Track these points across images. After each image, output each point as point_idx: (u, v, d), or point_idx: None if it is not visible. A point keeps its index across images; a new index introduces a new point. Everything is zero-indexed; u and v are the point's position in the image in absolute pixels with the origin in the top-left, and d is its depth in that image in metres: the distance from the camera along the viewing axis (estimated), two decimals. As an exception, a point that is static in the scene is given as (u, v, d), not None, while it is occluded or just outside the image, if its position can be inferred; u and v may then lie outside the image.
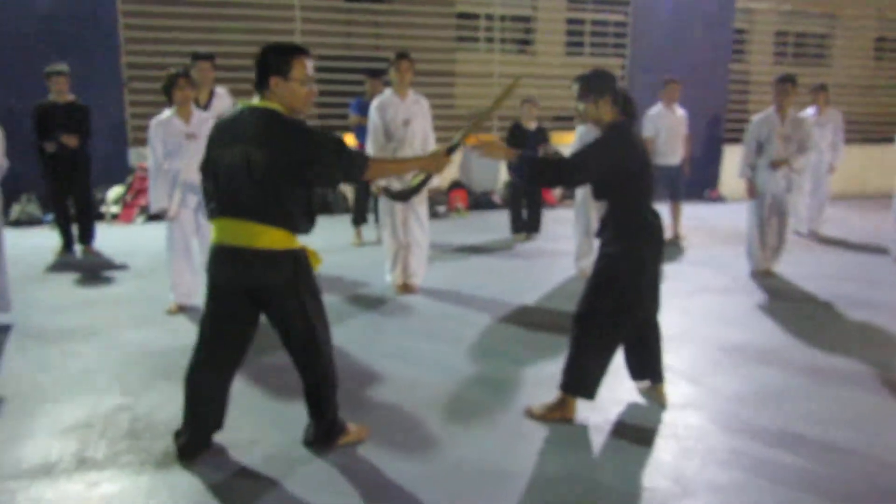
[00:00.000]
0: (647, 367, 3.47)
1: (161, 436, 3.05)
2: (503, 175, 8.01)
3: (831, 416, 3.37)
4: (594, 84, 3.17)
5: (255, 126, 2.65)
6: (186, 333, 4.00)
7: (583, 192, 5.94)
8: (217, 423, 2.94)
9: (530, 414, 3.31)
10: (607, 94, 3.15)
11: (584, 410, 3.34)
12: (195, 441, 2.89)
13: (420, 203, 5.41)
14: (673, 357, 4.12)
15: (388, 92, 5.27)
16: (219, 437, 2.99)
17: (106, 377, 3.73)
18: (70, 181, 6.58)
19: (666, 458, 2.95)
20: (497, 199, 9.92)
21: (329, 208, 9.15)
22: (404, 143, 5.22)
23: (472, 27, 11.72)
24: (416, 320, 4.80)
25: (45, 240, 7.12)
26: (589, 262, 5.93)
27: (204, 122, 4.74)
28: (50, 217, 7.09)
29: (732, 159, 10.94)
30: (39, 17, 8.20)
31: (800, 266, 6.55)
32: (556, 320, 4.70)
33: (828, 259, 7.06)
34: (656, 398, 3.48)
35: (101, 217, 8.17)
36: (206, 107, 5.51)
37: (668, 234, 7.99)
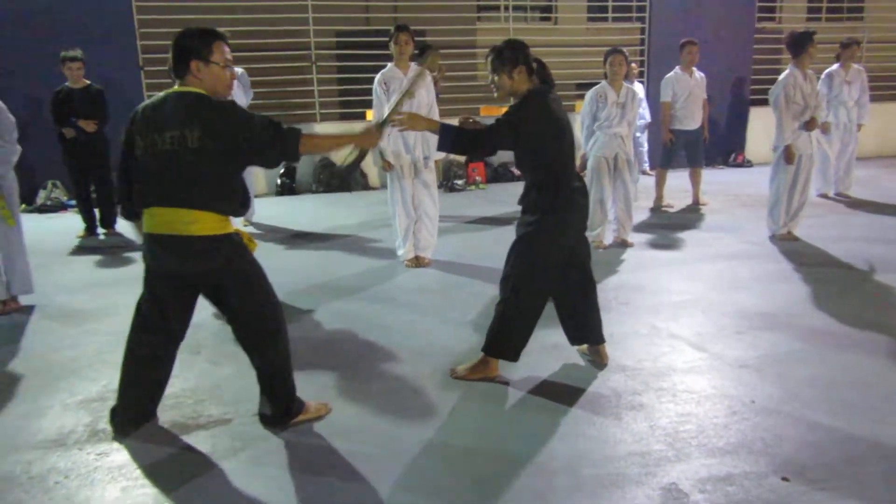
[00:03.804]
0: (583, 332, 3.49)
1: (168, 408, 3.14)
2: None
3: (835, 381, 3.31)
4: (508, 55, 3.15)
5: (186, 109, 2.61)
6: (199, 311, 4.11)
7: (594, 162, 5.87)
8: (153, 403, 3.04)
9: (454, 374, 3.37)
10: (521, 64, 3.13)
11: (586, 376, 3.36)
12: (129, 420, 2.97)
13: (430, 176, 5.41)
14: (678, 324, 4.08)
15: (389, 65, 5.25)
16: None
17: (119, 354, 3.81)
18: (90, 165, 6.71)
19: (662, 423, 2.94)
20: (516, 170, 9.87)
21: (348, 185, 9.20)
22: (409, 116, 5.19)
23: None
24: (425, 293, 4.82)
25: (69, 224, 7.31)
26: (601, 232, 5.89)
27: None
28: (74, 201, 7.26)
29: (759, 122, 10.68)
30: (54, 4, 8.31)
31: (825, 229, 6.40)
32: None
33: (855, 221, 6.88)
34: (597, 358, 3.52)
35: (125, 200, 8.34)
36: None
37: (689, 200, 7.77)
